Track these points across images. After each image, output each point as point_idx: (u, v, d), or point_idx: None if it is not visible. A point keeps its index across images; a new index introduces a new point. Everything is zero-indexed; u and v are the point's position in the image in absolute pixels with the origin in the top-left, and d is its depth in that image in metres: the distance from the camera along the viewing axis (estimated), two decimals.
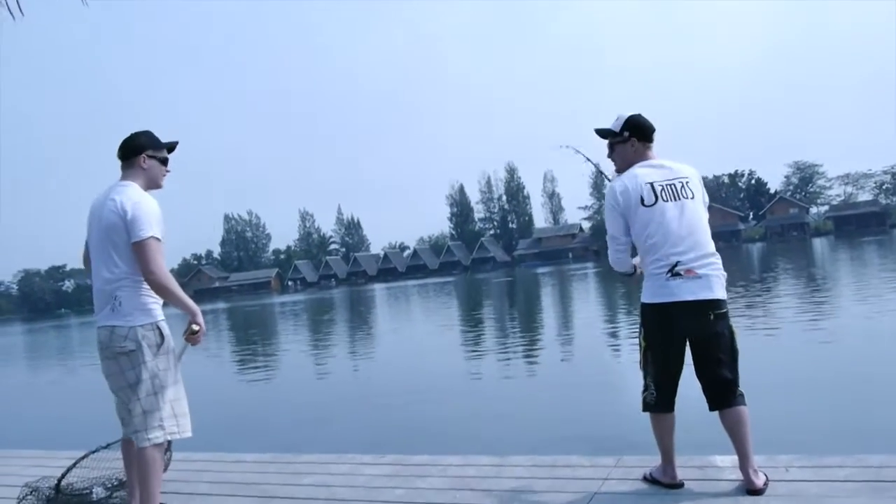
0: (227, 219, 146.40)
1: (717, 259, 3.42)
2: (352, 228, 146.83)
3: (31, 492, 4.20)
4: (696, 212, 3.46)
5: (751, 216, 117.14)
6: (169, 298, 3.63)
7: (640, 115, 3.64)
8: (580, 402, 8.89)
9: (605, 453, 4.31)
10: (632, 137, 3.57)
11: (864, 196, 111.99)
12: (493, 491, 3.76)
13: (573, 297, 32.79)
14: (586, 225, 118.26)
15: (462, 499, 3.70)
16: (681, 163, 3.57)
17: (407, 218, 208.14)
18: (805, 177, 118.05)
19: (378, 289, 74.27)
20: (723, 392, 3.36)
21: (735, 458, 3.43)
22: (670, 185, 3.44)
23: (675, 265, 3.32)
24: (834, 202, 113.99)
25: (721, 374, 3.36)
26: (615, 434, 6.59)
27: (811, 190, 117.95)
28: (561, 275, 57.71)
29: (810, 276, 27.90)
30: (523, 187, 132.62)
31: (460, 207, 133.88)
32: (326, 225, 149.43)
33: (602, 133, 3.68)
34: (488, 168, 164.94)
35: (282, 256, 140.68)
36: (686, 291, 3.31)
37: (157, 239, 3.59)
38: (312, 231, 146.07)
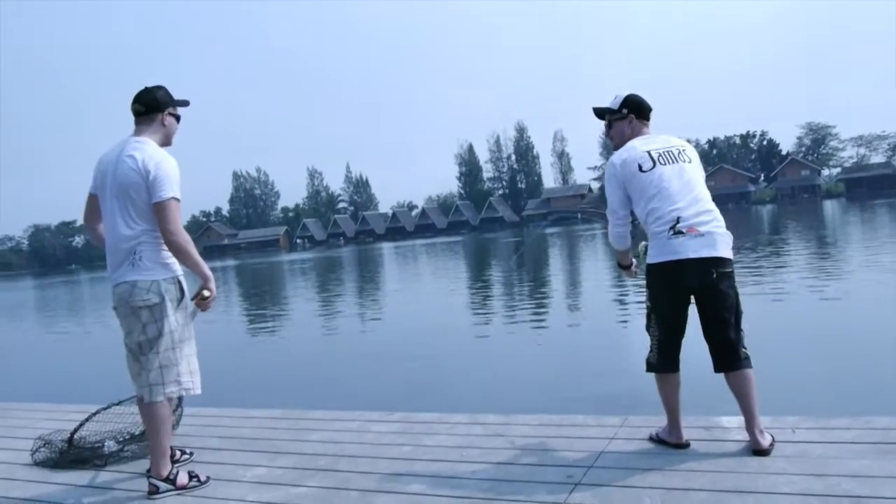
0: (235, 176, 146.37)
1: (720, 217, 3.43)
2: (360, 187, 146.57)
3: (45, 444, 4.27)
4: (695, 173, 3.50)
5: (762, 178, 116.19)
6: (185, 260, 3.63)
7: (637, 95, 3.74)
8: (587, 363, 8.92)
9: (611, 413, 4.32)
10: (630, 114, 3.66)
11: (878, 158, 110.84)
12: (500, 449, 3.79)
13: (581, 258, 32.76)
14: (595, 185, 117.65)
15: (469, 456, 3.73)
16: (671, 136, 3.65)
17: (415, 177, 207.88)
18: (818, 138, 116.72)
19: (386, 247, 74.40)
20: (727, 353, 3.38)
21: (741, 419, 3.44)
22: (667, 151, 3.50)
23: (677, 221, 3.33)
24: (846, 164, 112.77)
25: (726, 335, 3.37)
26: (621, 394, 6.63)
27: (823, 152, 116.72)
28: (569, 235, 57.62)
29: (819, 239, 27.77)
30: (532, 147, 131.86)
31: (469, 167, 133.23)
32: (335, 183, 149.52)
33: (599, 112, 3.77)
34: (498, 127, 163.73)
35: (290, 214, 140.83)
36: (689, 249, 3.31)
37: (178, 200, 3.58)
38: (321, 189, 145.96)
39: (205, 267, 3.63)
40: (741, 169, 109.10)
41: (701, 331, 3.45)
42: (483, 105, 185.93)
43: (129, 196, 3.56)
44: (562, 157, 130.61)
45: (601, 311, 13.56)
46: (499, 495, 3.20)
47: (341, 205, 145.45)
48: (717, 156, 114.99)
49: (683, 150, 3.55)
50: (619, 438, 3.73)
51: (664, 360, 3.45)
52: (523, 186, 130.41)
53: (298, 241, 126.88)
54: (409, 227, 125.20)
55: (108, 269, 3.72)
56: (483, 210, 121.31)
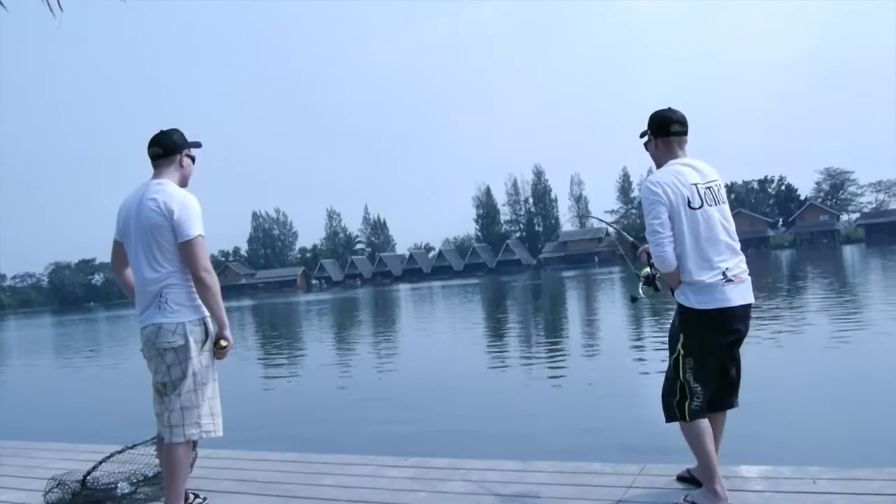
0: (254, 216, 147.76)
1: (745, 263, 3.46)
2: (378, 228, 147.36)
3: (58, 485, 4.26)
4: (731, 217, 3.47)
5: (780, 223, 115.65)
6: (211, 300, 3.63)
7: (662, 110, 3.52)
8: (603, 410, 8.81)
9: (628, 461, 4.25)
10: (650, 136, 3.51)
11: None
12: (516, 496, 3.74)
13: (598, 302, 32.57)
14: (612, 230, 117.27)
15: (484, 503, 3.68)
16: (705, 163, 3.49)
17: (433, 219, 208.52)
18: (836, 183, 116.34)
19: (403, 289, 74.37)
20: (734, 391, 3.47)
21: (762, 468, 3.42)
22: (708, 188, 3.37)
23: (726, 270, 3.30)
24: (865, 209, 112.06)
25: (737, 375, 3.47)
26: (638, 444, 6.52)
27: (842, 197, 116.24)
28: (587, 279, 57.38)
29: (839, 284, 27.46)
30: (550, 190, 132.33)
31: (486, 209, 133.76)
32: (353, 224, 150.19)
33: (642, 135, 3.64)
34: (515, 170, 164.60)
35: (308, 255, 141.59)
36: (737, 296, 3.31)
37: (203, 237, 3.62)
38: (339, 230, 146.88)
39: (224, 314, 3.65)
40: (759, 214, 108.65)
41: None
42: (501, 148, 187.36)
43: (154, 239, 3.60)
44: (579, 201, 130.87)
45: (616, 356, 13.43)
46: None
47: (359, 246, 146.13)
48: (735, 200, 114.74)
49: (720, 188, 3.45)
50: (637, 487, 3.67)
51: (705, 404, 3.36)
52: (540, 229, 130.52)
53: (315, 281, 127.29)
54: (426, 268, 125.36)
55: (137, 312, 3.76)
56: (500, 252, 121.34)
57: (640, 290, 3.94)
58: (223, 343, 3.64)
